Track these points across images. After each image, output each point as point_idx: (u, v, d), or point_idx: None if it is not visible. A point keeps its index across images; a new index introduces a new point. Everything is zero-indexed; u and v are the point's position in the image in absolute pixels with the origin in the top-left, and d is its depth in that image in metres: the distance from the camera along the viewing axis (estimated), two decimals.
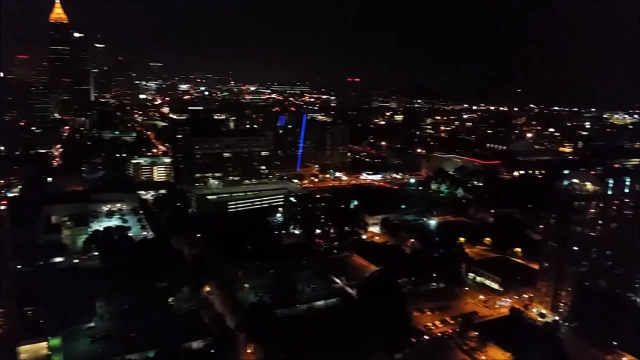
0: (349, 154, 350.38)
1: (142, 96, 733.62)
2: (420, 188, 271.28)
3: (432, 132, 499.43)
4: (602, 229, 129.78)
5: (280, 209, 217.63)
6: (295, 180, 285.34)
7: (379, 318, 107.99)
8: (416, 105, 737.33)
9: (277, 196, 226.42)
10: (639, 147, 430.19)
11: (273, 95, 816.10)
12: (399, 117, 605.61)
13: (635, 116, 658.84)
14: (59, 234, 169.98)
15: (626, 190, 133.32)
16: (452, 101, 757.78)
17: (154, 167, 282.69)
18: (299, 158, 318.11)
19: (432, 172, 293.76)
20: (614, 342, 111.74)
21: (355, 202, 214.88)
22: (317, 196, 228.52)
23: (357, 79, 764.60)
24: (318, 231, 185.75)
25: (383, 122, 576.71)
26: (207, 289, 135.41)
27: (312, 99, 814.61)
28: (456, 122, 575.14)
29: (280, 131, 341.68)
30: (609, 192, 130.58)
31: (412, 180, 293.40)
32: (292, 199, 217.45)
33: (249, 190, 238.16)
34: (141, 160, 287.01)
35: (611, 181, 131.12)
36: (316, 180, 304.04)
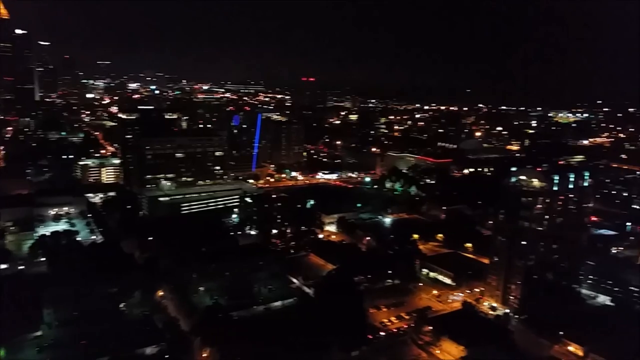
0: (304, 153, 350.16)
1: (89, 95, 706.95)
2: (375, 187, 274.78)
3: (386, 131, 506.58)
4: (549, 223, 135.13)
5: (235, 209, 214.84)
6: (251, 181, 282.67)
7: (335, 316, 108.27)
8: (370, 105, 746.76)
9: (232, 197, 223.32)
10: (582, 145, 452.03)
11: (227, 95, 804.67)
12: (353, 117, 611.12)
13: (579, 115, 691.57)
14: (2, 239, 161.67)
15: (570, 186, 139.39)
16: (405, 101, 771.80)
17: (103, 169, 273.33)
18: (254, 158, 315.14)
19: (386, 171, 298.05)
20: (561, 332, 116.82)
21: (312, 202, 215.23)
22: (273, 196, 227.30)
23: (312, 79, 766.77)
24: (275, 231, 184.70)
25: (338, 122, 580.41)
26: (161, 293, 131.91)
27: (266, 98, 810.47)
28: (409, 122, 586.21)
29: (235, 131, 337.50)
30: (555, 188, 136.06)
31: (367, 179, 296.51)
32: (247, 199, 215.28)
33: (203, 191, 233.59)
34: (89, 162, 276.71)
35: (556, 177, 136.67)
36: (272, 180, 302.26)
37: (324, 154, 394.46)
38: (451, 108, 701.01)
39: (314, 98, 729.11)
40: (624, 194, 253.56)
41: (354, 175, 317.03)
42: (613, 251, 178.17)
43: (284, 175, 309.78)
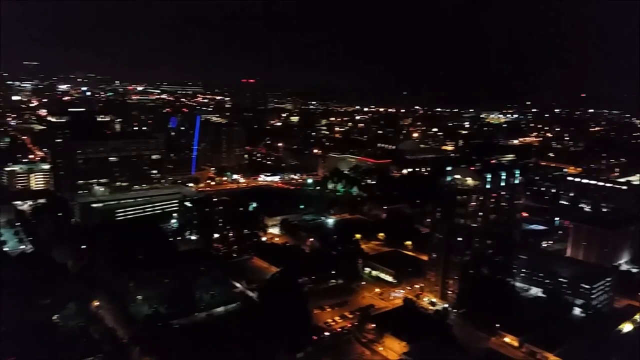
0: (245, 155, 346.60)
1: (15, 98, 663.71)
2: (318, 188, 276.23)
3: (327, 133, 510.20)
4: (483, 220, 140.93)
5: (174, 214, 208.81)
6: (191, 184, 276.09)
7: (280, 319, 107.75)
8: (311, 107, 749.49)
9: (170, 201, 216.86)
10: (512, 144, 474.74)
11: (163, 96, 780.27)
12: (294, 119, 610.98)
13: (509, 116, 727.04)
14: None
15: (502, 184, 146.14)
16: (345, 103, 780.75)
17: (31, 175, 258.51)
18: (193, 161, 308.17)
19: (328, 172, 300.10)
20: (497, 324, 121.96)
21: (254, 204, 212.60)
22: (214, 200, 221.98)
23: (251, 80, 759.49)
24: (216, 236, 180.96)
25: (279, 124, 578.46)
26: (96, 303, 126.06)
27: (205, 100, 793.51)
28: (349, 123, 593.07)
29: (173, 133, 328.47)
30: (487, 186, 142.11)
31: (310, 181, 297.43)
32: (187, 203, 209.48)
33: (139, 196, 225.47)
34: (16, 168, 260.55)
35: (489, 176, 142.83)
36: (213, 183, 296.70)
37: (265, 156, 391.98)
38: (389, 110, 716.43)
39: (255, 99, 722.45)
40: (552, 191, 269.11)
41: (296, 177, 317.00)
42: (543, 245, 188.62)
43: (225, 178, 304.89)
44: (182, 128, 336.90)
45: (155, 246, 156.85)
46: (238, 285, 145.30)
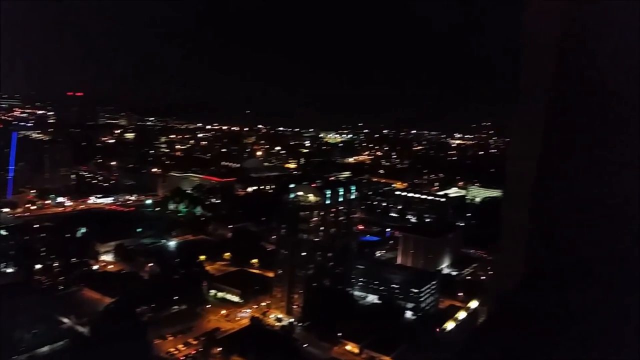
0: (73, 176, 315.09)
1: None
2: (158, 209, 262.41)
3: (167, 150, 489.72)
4: (324, 234, 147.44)
5: None
6: (6, 210, 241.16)
7: (115, 353, 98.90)
8: (149, 124, 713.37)
9: None
10: (348, 162, 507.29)
11: None
12: (130, 135, 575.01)
13: (344, 135, 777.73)
14: None
15: (340, 199, 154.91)
16: (186, 120, 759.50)
17: None
18: (9, 183, 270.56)
19: (169, 192, 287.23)
20: (339, 334, 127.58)
21: (83, 230, 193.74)
22: (36, 226, 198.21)
23: (79, 93, 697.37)
24: (38, 267, 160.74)
25: (113, 141, 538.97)
26: None
27: (24, 114, 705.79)
28: (191, 141, 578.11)
29: None
30: (327, 202, 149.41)
31: (149, 202, 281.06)
32: (1, 231, 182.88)
33: None
34: None
35: (328, 192, 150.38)
36: (34, 207, 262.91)
37: (97, 175, 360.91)
38: (233, 128, 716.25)
39: (83, 114, 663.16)
40: (383, 204, 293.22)
41: (133, 198, 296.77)
42: (377, 254, 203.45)
43: (48, 202, 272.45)
44: None
45: None
46: (66, 320, 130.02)
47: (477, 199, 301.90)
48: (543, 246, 7.55)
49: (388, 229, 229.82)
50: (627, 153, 7.65)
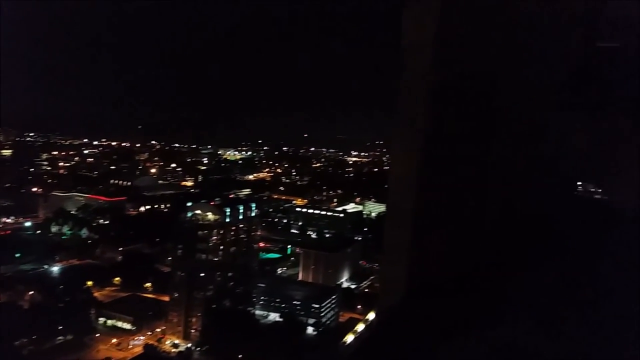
0: None
1: None
2: (39, 232, 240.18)
3: (49, 168, 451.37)
4: (224, 253, 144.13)
5: None
6: None
7: None
8: (28, 139, 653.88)
9: None
10: (248, 179, 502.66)
11: None
12: (7, 152, 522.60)
13: (244, 152, 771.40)
14: None
15: (240, 217, 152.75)
16: (71, 135, 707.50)
17: None
18: None
19: (51, 213, 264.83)
20: (239, 355, 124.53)
21: None
22: None
23: None
24: None
25: None
26: None
27: None
28: (77, 158, 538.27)
29: None
30: (227, 220, 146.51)
31: (28, 224, 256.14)
32: None
33: None
34: None
35: (228, 210, 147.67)
36: None
37: None
38: (123, 144, 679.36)
39: None
40: (284, 221, 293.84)
41: (9, 221, 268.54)
42: (279, 271, 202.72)
43: None
44: None
45: None
46: None
47: (373, 214, 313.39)
48: (423, 259, 7.65)
49: (289, 246, 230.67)
50: (508, 163, 7.97)
